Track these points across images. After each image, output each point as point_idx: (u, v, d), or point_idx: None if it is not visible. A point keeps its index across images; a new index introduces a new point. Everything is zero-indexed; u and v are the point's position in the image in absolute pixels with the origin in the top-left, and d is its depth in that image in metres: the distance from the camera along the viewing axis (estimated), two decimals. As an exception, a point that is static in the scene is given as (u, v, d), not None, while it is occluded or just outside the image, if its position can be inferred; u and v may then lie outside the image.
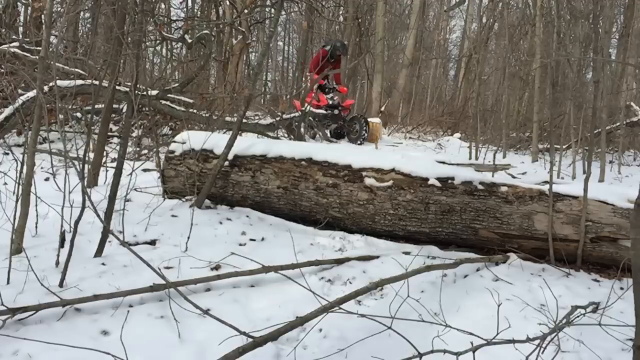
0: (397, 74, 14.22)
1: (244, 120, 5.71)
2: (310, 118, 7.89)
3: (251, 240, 3.11)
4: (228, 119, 6.46)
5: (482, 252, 3.17)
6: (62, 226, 2.54)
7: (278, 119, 7.09)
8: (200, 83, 8.77)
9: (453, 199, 3.14)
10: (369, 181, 3.28)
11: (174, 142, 3.89)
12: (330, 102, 8.87)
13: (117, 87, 5.11)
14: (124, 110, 6.05)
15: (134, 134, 6.04)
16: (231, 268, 2.48)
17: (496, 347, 1.73)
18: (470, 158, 7.96)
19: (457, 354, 1.64)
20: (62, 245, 2.52)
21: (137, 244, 2.89)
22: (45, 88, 4.90)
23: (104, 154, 4.26)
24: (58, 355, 1.76)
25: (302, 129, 7.55)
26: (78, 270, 2.38)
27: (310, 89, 8.79)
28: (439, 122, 14.38)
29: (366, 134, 8.94)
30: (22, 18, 9.84)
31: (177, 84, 7.27)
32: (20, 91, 5.93)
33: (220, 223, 3.32)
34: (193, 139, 3.73)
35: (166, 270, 2.46)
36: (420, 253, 2.96)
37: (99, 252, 2.62)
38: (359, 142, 8.79)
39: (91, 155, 3.98)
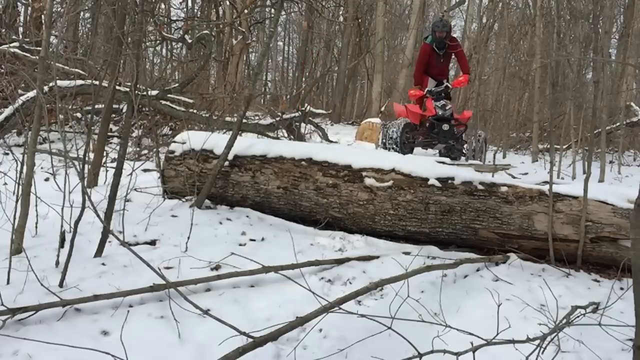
0: (397, 74, 14.20)
1: (244, 121, 5.70)
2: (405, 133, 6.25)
3: (251, 240, 3.11)
4: (228, 119, 6.47)
5: (482, 252, 3.16)
6: (62, 226, 2.54)
7: (278, 119, 7.10)
8: (200, 83, 8.76)
9: (453, 199, 3.14)
10: (369, 181, 3.28)
11: (174, 142, 3.89)
12: (440, 113, 6.22)
13: (117, 87, 5.11)
14: (124, 110, 6.06)
15: (134, 134, 6.04)
16: (231, 268, 2.48)
17: (496, 347, 1.73)
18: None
19: (457, 354, 1.64)
20: (62, 245, 2.52)
21: (137, 244, 2.89)
22: (45, 88, 4.90)
23: (104, 154, 4.26)
24: (58, 355, 1.76)
25: (302, 130, 7.53)
26: (78, 270, 2.38)
27: (420, 101, 6.62)
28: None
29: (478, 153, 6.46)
30: (22, 18, 9.85)
31: (177, 84, 7.28)
32: (20, 91, 5.93)
33: (220, 223, 3.32)
34: (193, 139, 3.73)
35: (166, 271, 2.46)
36: (420, 253, 2.96)
37: (99, 252, 2.62)
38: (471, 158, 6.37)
39: (91, 155, 3.98)
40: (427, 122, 6.35)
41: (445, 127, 6.17)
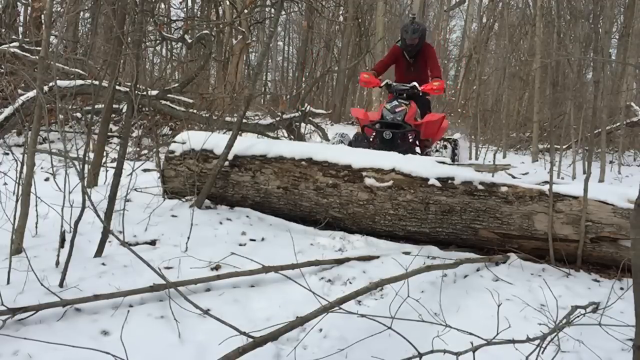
0: (397, 74, 14.18)
1: (244, 121, 5.70)
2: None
3: (251, 240, 3.11)
4: (228, 119, 6.47)
5: (482, 252, 3.17)
6: (62, 226, 2.54)
7: (278, 119, 7.09)
8: (200, 83, 8.76)
9: (453, 199, 3.14)
10: (369, 181, 3.28)
11: (174, 142, 3.89)
12: (389, 118, 4.69)
13: (117, 87, 5.11)
14: (124, 110, 6.06)
15: (134, 134, 6.05)
16: (231, 268, 2.48)
17: (496, 347, 1.73)
18: (470, 158, 7.96)
19: (457, 354, 1.64)
20: (62, 245, 2.52)
21: (137, 244, 2.89)
22: (45, 88, 4.90)
23: (104, 154, 4.26)
24: (58, 355, 1.76)
25: (302, 130, 7.52)
26: (78, 270, 2.38)
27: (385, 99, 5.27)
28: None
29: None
30: (22, 18, 9.85)
31: (177, 84, 7.28)
32: (20, 91, 5.93)
33: (220, 223, 3.32)
34: (193, 139, 3.73)
35: (166, 270, 2.46)
36: (420, 253, 2.96)
37: (99, 252, 2.62)
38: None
39: (91, 155, 3.97)
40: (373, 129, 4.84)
41: (387, 135, 4.66)
